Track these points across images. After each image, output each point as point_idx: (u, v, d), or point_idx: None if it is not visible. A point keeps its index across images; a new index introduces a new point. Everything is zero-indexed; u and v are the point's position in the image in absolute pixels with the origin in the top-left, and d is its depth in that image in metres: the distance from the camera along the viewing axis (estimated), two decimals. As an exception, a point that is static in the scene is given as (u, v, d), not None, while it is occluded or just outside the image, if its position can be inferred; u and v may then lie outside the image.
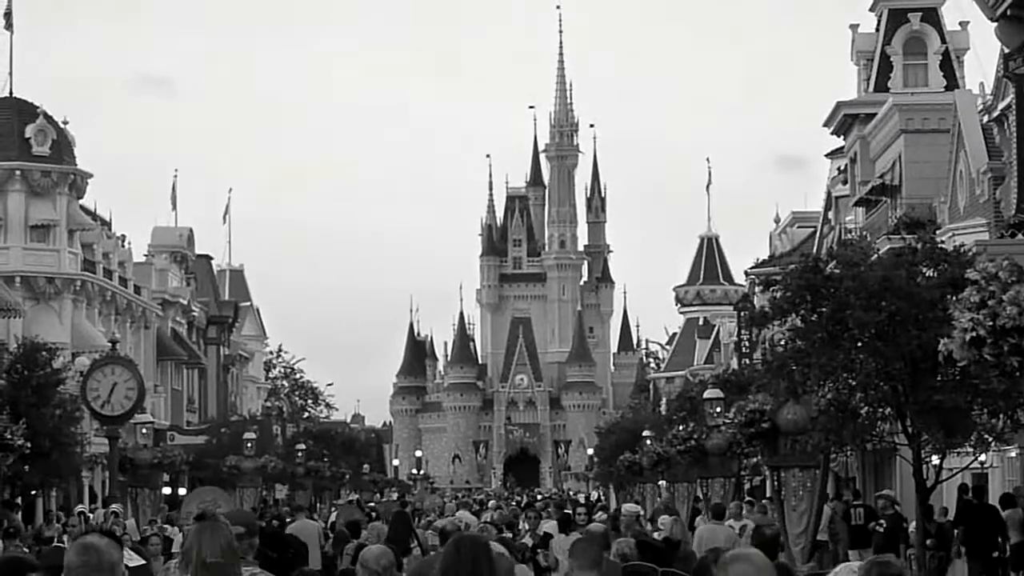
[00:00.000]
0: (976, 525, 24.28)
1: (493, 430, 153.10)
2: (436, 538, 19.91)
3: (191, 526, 7.93)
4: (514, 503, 50.33)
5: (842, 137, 46.61)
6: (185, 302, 66.91)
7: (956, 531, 24.96)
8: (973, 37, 44.14)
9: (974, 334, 11.90)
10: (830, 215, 50.69)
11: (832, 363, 19.10)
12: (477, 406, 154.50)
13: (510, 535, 19.68)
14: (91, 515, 30.45)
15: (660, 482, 41.80)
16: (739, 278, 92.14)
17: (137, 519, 30.37)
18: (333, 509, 45.27)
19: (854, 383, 19.23)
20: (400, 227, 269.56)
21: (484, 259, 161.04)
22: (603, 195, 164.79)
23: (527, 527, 20.44)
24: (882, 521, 25.99)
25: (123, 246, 59.60)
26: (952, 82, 43.15)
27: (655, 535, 19.30)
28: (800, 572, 19.72)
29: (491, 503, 46.18)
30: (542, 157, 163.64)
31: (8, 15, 49.92)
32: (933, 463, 20.59)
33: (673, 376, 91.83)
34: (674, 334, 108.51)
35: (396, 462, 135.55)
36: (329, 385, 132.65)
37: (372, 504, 45.02)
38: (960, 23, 44.63)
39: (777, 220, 68.28)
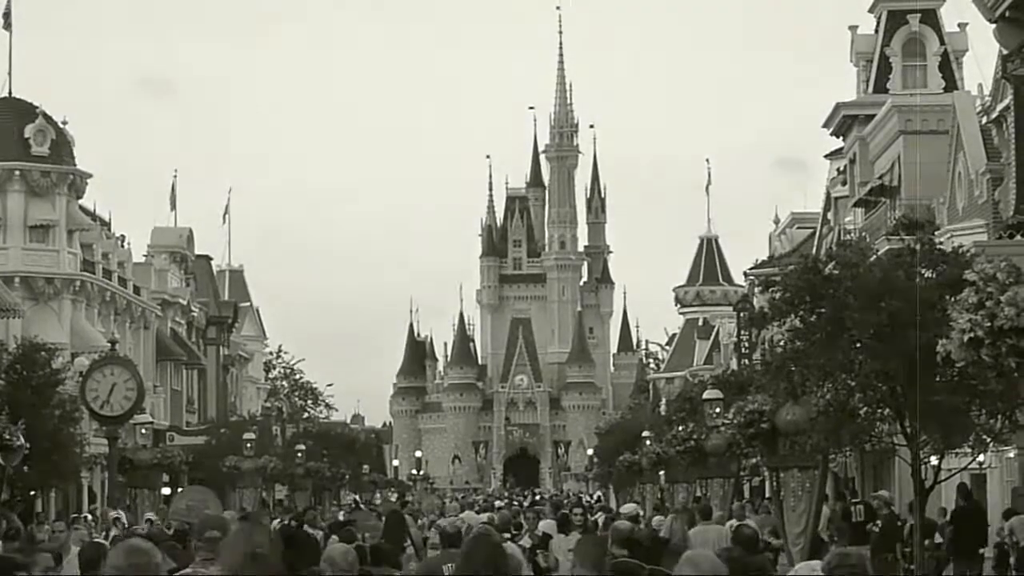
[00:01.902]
0: (964, 526, 24.45)
1: (493, 430, 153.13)
2: (436, 537, 19.96)
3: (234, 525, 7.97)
4: (515, 504, 50.32)
5: (841, 138, 46.64)
6: (185, 302, 66.92)
7: (947, 529, 25.12)
8: (972, 38, 44.20)
9: (972, 335, 11.92)
10: (829, 216, 50.72)
11: (831, 364, 19.11)
12: (477, 407, 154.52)
13: (508, 535, 19.69)
14: (89, 516, 30.41)
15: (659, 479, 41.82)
16: (739, 279, 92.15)
17: (136, 519, 30.39)
18: (334, 509, 45.28)
19: (853, 384, 19.23)
20: (400, 227, 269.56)
21: (484, 260, 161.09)
22: (603, 196, 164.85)
23: (526, 527, 20.49)
24: (878, 521, 26.10)
25: (122, 246, 59.59)
26: (951, 83, 43.19)
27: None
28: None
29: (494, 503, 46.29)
30: (542, 158, 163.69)
31: (7, 15, 49.90)
32: (932, 464, 20.59)
33: (673, 377, 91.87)
34: (674, 335, 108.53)
35: (396, 463, 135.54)
36: (329, 386, 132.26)
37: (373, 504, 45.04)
38: (959, 24, 44.67)
39: (776, 221, 68.27)
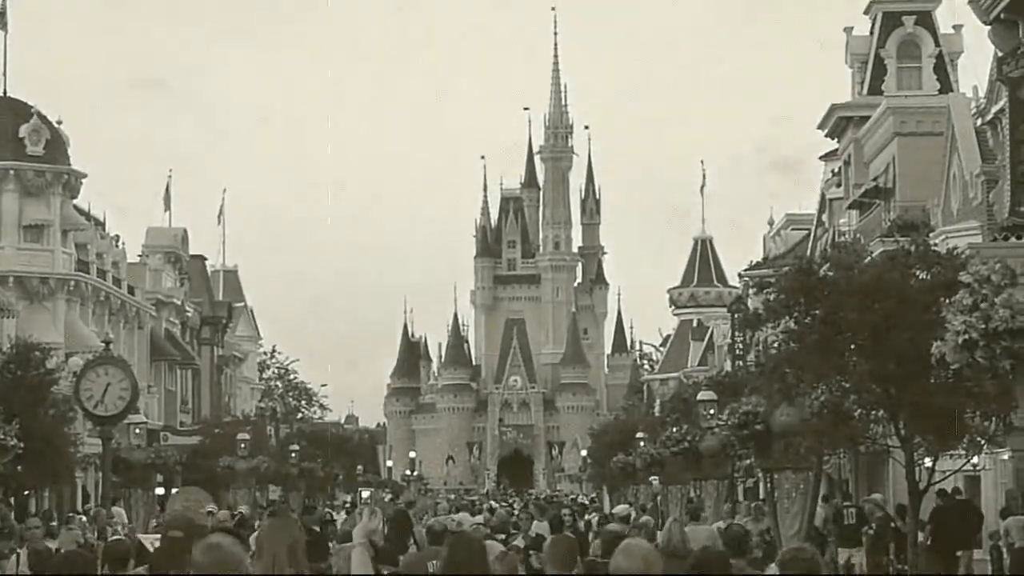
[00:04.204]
0: (942, 526, 24.55)
1: (487, 431, 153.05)
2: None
3: (264, 521, 8.03)
4: (504, 506, 50.23)
5: (836, 140, 46.67)
6: (179, 302, 66.89)
7: (927, 528, 25.22)
8: (967, 40, 44.22)
9: (967, 337, 11.94)
10: (824, 217, 50.76)
11: (825, 365, 19.12)
12: (471, 407, 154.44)
13: (503, 536, 19.69)
14: (83, 516, 30.36)
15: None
16: (733, 280, 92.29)
17: (130, 519, 30.38)
18: (326, 508, 45.09)
19: (847, 385, 19.25)
20: (394, 228, 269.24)
21: (478, 260, 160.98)
22: (597, 197, 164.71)
23: (522, 528, 20.49)
24: (872, 524, 26.16)
25: (117, 246, 59.55)
26: (946, 85, 43.20)
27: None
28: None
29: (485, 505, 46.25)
30: (537, 159, 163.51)
31: (2, 14, 49.86)
32: (926, 465, 20.62)
33: (667, 378, 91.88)
34: (668, 336, 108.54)
35: (390, 463, 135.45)
36: (323, 386, 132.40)
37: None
38: (954, 26, 44.68)
39: (771, 222, 68.31)
